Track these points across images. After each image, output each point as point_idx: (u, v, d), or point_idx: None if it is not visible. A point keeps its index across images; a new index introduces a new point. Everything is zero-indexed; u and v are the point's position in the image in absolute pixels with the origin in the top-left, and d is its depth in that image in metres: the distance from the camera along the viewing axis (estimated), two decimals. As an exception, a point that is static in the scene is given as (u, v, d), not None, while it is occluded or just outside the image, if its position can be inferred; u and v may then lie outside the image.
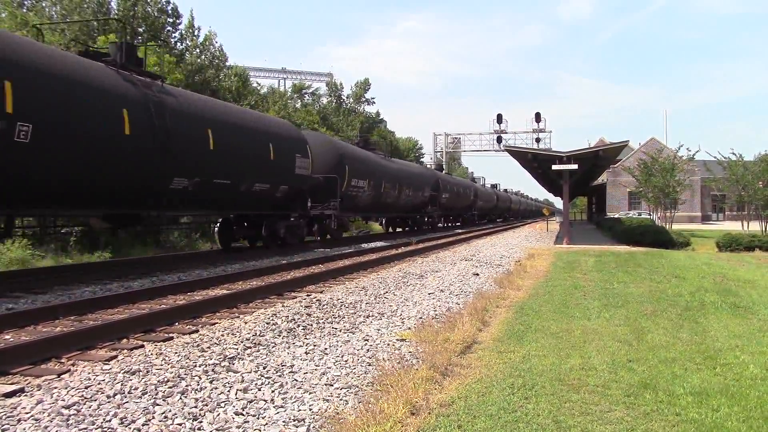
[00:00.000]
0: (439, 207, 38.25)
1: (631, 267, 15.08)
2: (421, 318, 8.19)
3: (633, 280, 12.41)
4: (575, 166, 24.58)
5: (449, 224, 49.33)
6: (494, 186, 72.26)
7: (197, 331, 7.31)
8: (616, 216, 47.77)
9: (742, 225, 35.58)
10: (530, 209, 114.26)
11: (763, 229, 30.77)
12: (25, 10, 31.70)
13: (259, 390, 5.00)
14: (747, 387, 5.23)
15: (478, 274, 13.26)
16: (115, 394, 4.74)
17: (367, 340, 6.90)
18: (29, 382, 5.16)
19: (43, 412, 4.34)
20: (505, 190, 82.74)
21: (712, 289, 11.00)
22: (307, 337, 7.02)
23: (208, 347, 6.32)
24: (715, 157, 35.01)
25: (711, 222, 63.52)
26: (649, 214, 44.06)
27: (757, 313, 8.82)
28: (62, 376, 5.31)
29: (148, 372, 5.35)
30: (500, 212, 71.59)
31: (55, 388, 4.91)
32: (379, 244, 23.80)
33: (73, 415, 4.31)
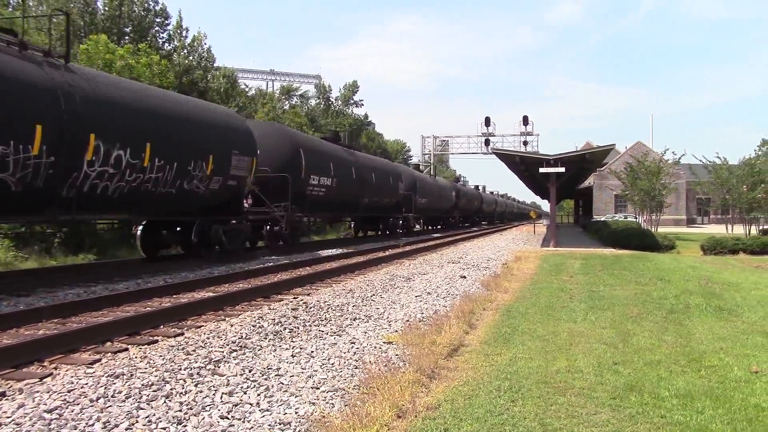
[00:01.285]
0: (305, 203, 20.52)
1: (617, 270, 15.16)
2: (408, 321, 8.18)
3: (619, 283, 12.48)
4: (562, 169, 24.70)
5: (364, 234, 31.76)
6: (457, 180, 61.49)
7: (183, 334, 7.25)
8: (602, 219, 48.07)
9: (727, 228, 35.90)
10: (511, 211, 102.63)
11: (747, 232, 31.07)
12: (10, 9, 31.43)
13: (245, 393, 4.96)
14: (731, 389, 5.26)
15: (465, 277, 13.28)
16: (98, 398, 4.68)
17: (354, 342, 6.88)
18: (11, 386, 5.09)
19: (25, 417, 4.28)
20: (476, 187, 70.33)
21: (696, 292, 11.07)
22: (294, 339, 6.98)
23: (194, 350, 6.27)
24: (700, 161, 35.33)
25: (696, 225, 64.09)
26: (636, 217, 44.38)
27: (741, 315, 8.89)
28: (45, 380, 5.25)
29: (132, 375, 5.30)
30: (466, 215, 57.98)
31: (38, 392, 4.84)
32: None
33: (55, 419, 4.26)
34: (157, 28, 34.27)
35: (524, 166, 30.48)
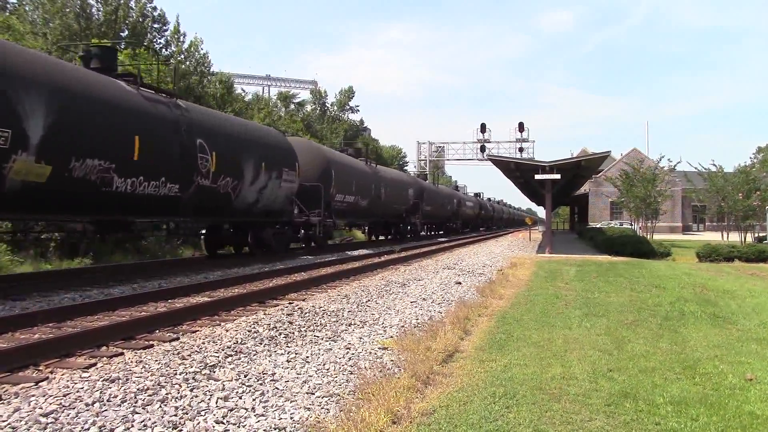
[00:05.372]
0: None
1: (612, 277, 15.19)
2: (403, 326, 8.19)
3: (614, 290, 12.50)
4: (557, 176, 24.76)
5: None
6: (424, 177, 50.91)
7: (178, 338, 7.25)
8: (597, 226, 48.17)
9: (722, 236, 36.03)
10: (505, 217, 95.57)
11: (743, 239, 31.17)
12: (7, 14, 31.43)
13: (240, 398, 4.96)
14: (726, 396, 5.28)
15: (460, 283, 13.29)
16: (93, 402, 4.68)
17: (349, 348, 6.88)
18: (6, 390, 5.08)
19: (20, 420, 4.28)
20: (456, 188, 60.48)
21: (691, 299, 11.11)
22: (289, 345, 6.99)
23: (189, 355, 6.27)
24: (695, 168, 35.48)
25: (691, 232, 64.26)
26: (631, 224, 44.49)
27: (736, 323, 8.92)
28: (40, 384, 5.24)
29: (127, 380, 5.29)
30: (436, 220, 47.20)
31: (33, 395, 4.84)
32: None
33: (50, 423, 4.26)
34: (154, 34, 34.29)
35: (519, 172, 30.53)
